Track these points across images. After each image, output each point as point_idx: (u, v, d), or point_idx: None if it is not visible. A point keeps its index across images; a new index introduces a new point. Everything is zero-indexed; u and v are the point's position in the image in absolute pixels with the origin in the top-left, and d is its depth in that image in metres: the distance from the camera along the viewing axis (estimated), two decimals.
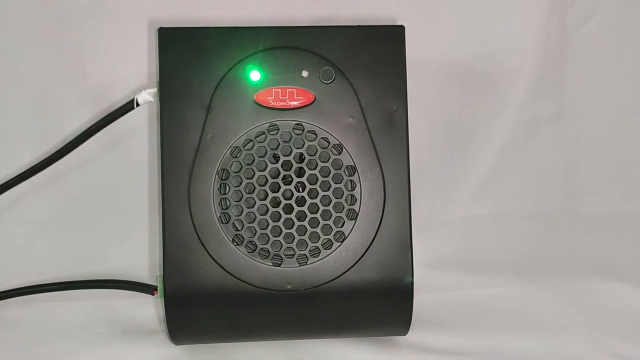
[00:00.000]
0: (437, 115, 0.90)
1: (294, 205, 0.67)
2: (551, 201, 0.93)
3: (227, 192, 0.67)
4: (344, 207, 0.68)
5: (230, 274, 0.66)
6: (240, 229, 0.67)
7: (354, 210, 0.68)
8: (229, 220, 0.67)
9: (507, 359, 0.70)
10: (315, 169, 0.68)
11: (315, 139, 0.68)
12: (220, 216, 0.67)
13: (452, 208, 0.92)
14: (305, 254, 0.67)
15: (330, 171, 0.68)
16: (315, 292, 0.67)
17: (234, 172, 0.67)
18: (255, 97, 0.67)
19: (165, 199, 0.66)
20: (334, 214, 0.68)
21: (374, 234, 0.67)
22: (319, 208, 0.68)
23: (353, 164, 0.68)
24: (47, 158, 0.76)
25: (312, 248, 0.67)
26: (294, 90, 0.68)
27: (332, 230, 0.67)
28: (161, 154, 0.67)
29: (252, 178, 0.67)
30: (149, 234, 0.87)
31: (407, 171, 0.68)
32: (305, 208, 0.67)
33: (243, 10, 0.85)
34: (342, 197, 0.68)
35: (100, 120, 0.75)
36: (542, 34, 0.89)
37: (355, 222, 0.68)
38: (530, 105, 0.90)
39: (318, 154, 0.68)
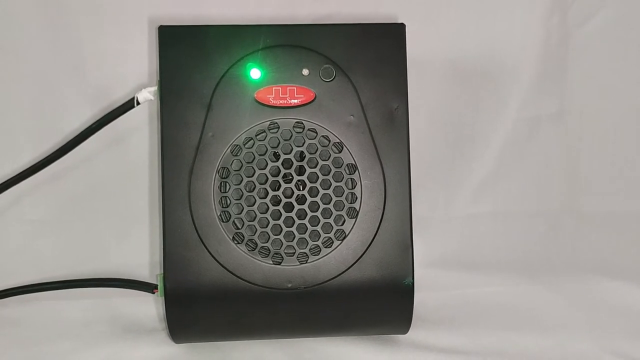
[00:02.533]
0: (438, 113, 0.90)
1: (295, 204, 0.67)
2: (553, 199, 0.93)
3: (227, 190, 0.67)
4: (344, 206, 0.68)
5: (230, 272, 0.66)
6: (240, 227, 0.67)
7: (355, 208, 0.67)
8: (229, 218, 0.67)
9: (509, 357, 0.70)
10: (315, 167, 0.68)
11: (315, 137, 0.68)
12: (220, 214, 0.67)
13: (453, 206, 0.92)
14: (305, 253, 0.67)
15: (330, 169, 0.68)
16: (315, 290, 0.67)
17: (235, 171, 0.67)
18: (255, 95, 0.67)
19: (165, 197, 0.66)
20: (335, 213, 0.67)
21: (374, 233, 0.67)
22: (319, 206, 0.67)
23: (353, 162, 0.68)
24: (47, 157, 0.76)
25: (313, 246, 0.67)
26: (295, 88, 0.68)
27: (332, 228, 0.67)
28: (161, 153, 0.67)
29: (252, 176, 0.67)
30: (149, 232, 0.87)
31: (407, 169, 0.68)
32: (305, 206, 0.67)
33: (243, 8, 0.85)
34: (342, 195, 0.68)
35: (101, 118, 0.75)
36: (543, 32, 0.88)
37: (355, 220, 0.67)
38: (532, 104, 0.90)
39: (318, 152, 0.68)
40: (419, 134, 0.85)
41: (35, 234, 0.86)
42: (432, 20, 0.87)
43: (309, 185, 0.67)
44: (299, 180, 0.68)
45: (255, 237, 0.67)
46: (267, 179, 0.67)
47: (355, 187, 0.68)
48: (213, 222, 0.66)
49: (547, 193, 0.93)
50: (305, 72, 0.68)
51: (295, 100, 0.68)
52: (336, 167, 0.68)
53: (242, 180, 0.67)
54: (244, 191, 0.67)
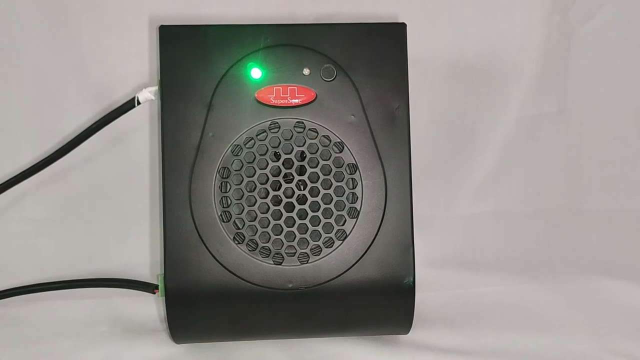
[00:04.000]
0: (439, 113, 0.90)
1: (295, 204, 0.67)
2: (554, 199, 0.93)
3: (228, 190, 0.67)
4: (345, 206, 0.68)
5: (231, 272, 0.66)
6: (241, 227, 0.67)
7: (355, 208, 0.67)
8: (230, 218, 0.67)
9: (510, 357, 0.70)
10: (316, 167, 0.68)
11: (316, 137, 0.68)
12: (221, 214, 0.67)
13: (454, 206, 0.92)
14: (306, 253, 0.67)
15: (331, 169, 0.68)
16: (316, 290, 0.67)
17: (235, 170, 0.67)
18: (256, 95, 0.67)
19: (166, 197, 0.66)
20: (335, 212, 0.67)
21: (375, 232, 0.67)
22: (320, 206, 0.67)
23: (354, 162, 0.68)
24: (48, 156, 0.76)
25: (313, 246, 0.67)
26: (295, 88, 0.68)
27: (333, 228, 0.67)
28: (162, 152, 0.67)
29: (253, 176, 0.67)
30: (150, 232, 0.87)
31: (408, 169, 0.68)
32: (306, 206, 0.67)
33: (244, 8, 0.85)
34: (343, 195, 0.68)
35: (101, 118, 0.74)
36: (544, 31, 0.88)
37: (356, 220, 0.67)
38: (533, 103, 0.90)
39: (319, 152, 0.68)
40: (420, 134, 0.85)
41: (36, 233, 0.86)
42: (432, 19, 0.87)
43: (309, 185, 0.67)
44: (299, 180, 0.68)
45: (256, 237, 0.67)
46: (268, 178, 0.67)
47: (356, 186, 0.68)
48: (214, 222, 0.66)
49: (547, 192, 0.93)
50: (306, 71, 0.68)
51: (296, 100, 0.68)
52: (337, 167, 0.68)
53: (242, 180, 0.67)
54: (245, 191, 0.67)
